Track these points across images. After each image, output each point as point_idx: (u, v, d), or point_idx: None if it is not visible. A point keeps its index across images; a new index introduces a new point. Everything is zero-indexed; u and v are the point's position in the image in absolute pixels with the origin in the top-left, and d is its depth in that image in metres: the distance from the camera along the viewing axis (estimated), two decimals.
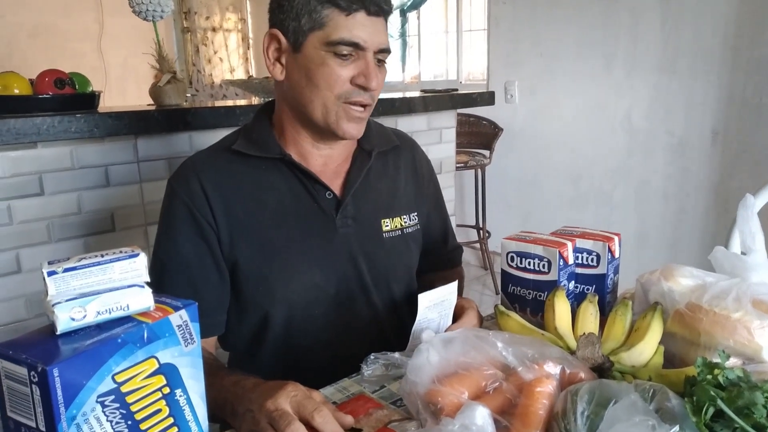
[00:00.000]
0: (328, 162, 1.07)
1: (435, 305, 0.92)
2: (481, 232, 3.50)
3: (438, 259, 1.26)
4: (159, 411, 0.60)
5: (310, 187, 1.03)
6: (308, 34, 0.95)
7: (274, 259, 1.01)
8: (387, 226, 1.10)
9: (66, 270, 0.56)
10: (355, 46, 0.94)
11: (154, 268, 1.00)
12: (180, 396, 0.62)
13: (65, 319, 0.55)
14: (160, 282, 0.98)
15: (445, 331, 0.94)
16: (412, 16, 4.50)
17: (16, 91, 1.43)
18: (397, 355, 0.86)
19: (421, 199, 1.19)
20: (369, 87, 0.97)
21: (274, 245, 1.01)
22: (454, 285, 0.95)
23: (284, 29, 0.97)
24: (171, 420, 0.61)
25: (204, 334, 0.95)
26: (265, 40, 1.00)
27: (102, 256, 0.59)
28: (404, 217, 1.13)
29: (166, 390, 0.60)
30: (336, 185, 1.06)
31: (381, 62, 1.01)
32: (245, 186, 1.02)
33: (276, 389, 0.76)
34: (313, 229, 1.03)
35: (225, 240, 1.00)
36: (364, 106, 0.99)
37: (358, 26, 0.94)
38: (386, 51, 1.00)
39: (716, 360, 0.70)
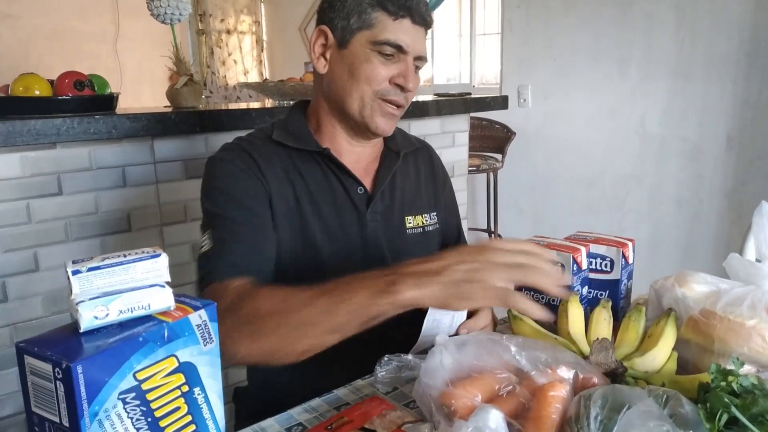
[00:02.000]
0: (360, 159, 1.12)
1: (439, 320, 0.91)
2: (492, 235, 3.50)
3: None
4: (178, 409, 0.61)
5: (344, 181, 1.08)
6: (356, 33, 1.02)
7: (309, 245, 1.04)
8: (410, 223, 1.15)
9: (90, 269, 0.57)
10: (399, 48, 1.01)
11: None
12: (198, 394, 0.63)
13: (89, 318, 0.56)
14: (214, 225, 0.98)
15: (458, 328, 0.94)
16: None
17: (37, 93, 1.46)
18: (410, 357, 0.87)
19: (439, 200, 1.23)
20: (407, 87, 1.03)
21: (311, 232, 1.04)
22: (463, 314, 0.94)
23: (333, 26, 1.04)
24: (189, 418, 0.62)
25: (263, 267, 0.97)
26: (314, 35, 1.07)
27: (125, 256, 0.60)
28: (425, 215, 1.17)
29: (185, 388, 0.61)
30: (366, 182, 1.11)
31: (417, 69, 1.07)
32: (289, 172, 1.06)
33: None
34: (346, 221, 1.08)
35: (275, 212, 1.02)
36: (398, 105, 1.05)
37: (403, 31, 1.02)
38: (423, 59, 1.07)
39: (730, 367, 0.70)
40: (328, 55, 1.06)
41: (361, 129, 1.07)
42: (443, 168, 1.29)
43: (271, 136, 1.07)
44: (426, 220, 1.17)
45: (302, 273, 1.03)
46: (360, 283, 0.81)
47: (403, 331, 1.14)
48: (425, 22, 1.05)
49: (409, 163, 1.20)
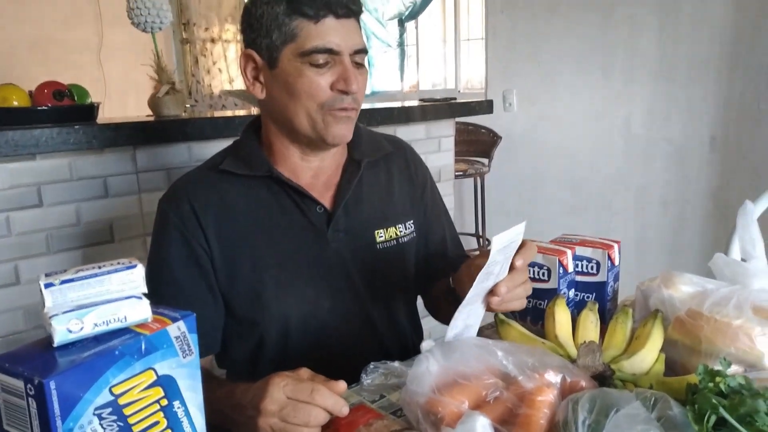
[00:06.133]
0: (318, 174, 1.06)
1: (504, 248, 0.84)
2: (480, 240, 3.50)
3: (438, 269, 1.18)
4: (157, 423, 0.59)
5: (300, 203, 1.02)
6: (282, 48, 0.95)
7: (267, 277, 1.01)
8: (381, 237, 1.08)
9: (63, 282, 0.56)
10: (330, 51, 0.94)
11: (146, 291, 0.99)
12: (178, 408, 0.61)
13: (62, 331, 0.55)
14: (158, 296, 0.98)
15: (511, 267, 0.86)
16: (410, 25, 4.52)
17: (15, 103, 1.43)
18: (396, 364, 0.86)
19: (417, 205, 1.16)
20: (350, 90, 0.96)
21: (266, 263, 1.01)
22: (522, 225, 0.86)
23: (257, 47, 0.98)
24: None
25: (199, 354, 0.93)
26: (241, 61, 1.01)
27: (99, 267, 0.58)
28: (399, 226, 1.11)
29: (164, 402, 0.60)
30: (326, 198, 1.05)
31: (359, 65, 1.00)
32: (236, 205, 1.01)
33: (265, 387, 0.76)
34: (304, 244, 1.03)
35: (218, 261, 1.00)
36: (350, 110, 0.98)
37: (329, 32, 0.93)
38: (363, 51, 0.99)
39: (718, 367, 0.70)
40: (262, 79, 0.99)
41: (317, 144, 1.01)
42: (423, 168, 1.21)
43: (220, 165, 1.02)
44: (400, 231, 1.11)
45: (264, 305, 1.01)
46: (233, 410, 0.82)
47: (396, 340, 1.14)
48: (351, 11, 0.96)
49: (380, 170, 1.13)
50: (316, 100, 0.95)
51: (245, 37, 1.00)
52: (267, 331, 1.03)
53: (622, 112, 2.99)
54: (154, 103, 1.65)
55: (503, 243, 0.81)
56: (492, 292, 0.85)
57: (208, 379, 0.94)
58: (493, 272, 0.83)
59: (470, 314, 0.88)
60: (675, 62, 2.77)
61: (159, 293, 0.99)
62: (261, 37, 0.96)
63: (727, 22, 2.57)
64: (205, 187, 1.02)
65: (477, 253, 1.00)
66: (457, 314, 0.84)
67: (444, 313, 1.18)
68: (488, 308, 0.89)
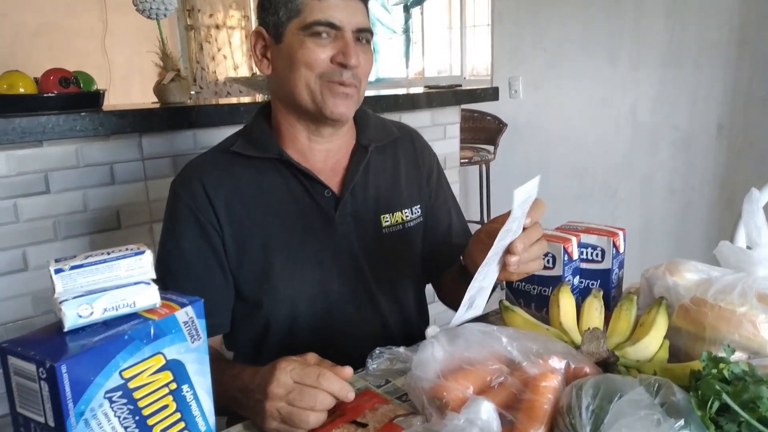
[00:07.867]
0: (327, 158, 1.08)
1: (522, 202, 0.83)
2: None
3: (445, 255, 1.19)
4: (166, 406, 0.60)
5: (308, 186, 1.04)
6: (287, 24, 0.99)
7: (275, 259, 1.02)
8: (387, 221, 1.10)
9: (73, 267, 0.57)
10: (331, 26, 0.97)
11: (158, 271, 1.00)
12: (187, 391, 0.62)
13: (72, 316, 0.56)
14: (164, 284, 0.99)
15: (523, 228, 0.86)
16: (415, 11, 4.49)
17: (21, 90, 1.44)
18: (402, 349, 0.87)
19: (423, 190, 1.18)
20: (348, 64, 0.98)
21: (275, 245, 1.02)
22: (538, 179, 0.86)
23: (266, 25, 1.02)
24: (178, 415, 0.62)
25: (209, 333, 0.94)
26: (252, 38, 1.05)
27: (108, 253, 0.59)
28: (406, 211, 1.12)
29: (173, 386, 0.61)
30: (335, 183, 1.07)
31: (366, 42, 1.02)
32: (246, 187, 1.03)
33: (272, 372, 0.77)
34: (312, 228, 1.04)
35: (229, 241, 1.01)
36: (348, 85, 1.00)
37: (332, 8, 0.97)
38: (367, 31, 1.01)
39: (721, 354, 0.70)
40: (269, 55, 1.03)
41: (318, 119, 1.02)
42: (430, 155, 1.22)
43: (231, 147, 1.04)
44: (407, 216, 1.12)
45: (273, 287, 1.02)
46: (240, 393, 0.83)
47: (402, 326, 1.15)
48: None
49: (387, 156, 1.14)
50: (315, 70, 0.98)
51: (258, 18, 1.05)
52: (274, 313, 1.04)
53: (628, 98, 2.98)
54: (159, 90, 1.66)
55: (522, 197, 0.82)
56: (508, 251, 0.85)
57: (217, 360, 0.95)
58: (511, 229, 0.83)
59: (486, 276, 0.88)
60: (682, 48, 2.74)
61: (170, 272, 1.01)
62: (269, 16, 1.01)
63: (736, 8, 2.55)
64: (217, 169, 1.04)
65: None
66: (476, 275, 0.85)
67: (456, 299, 1.18)
68: (504, 274, 0.88)
